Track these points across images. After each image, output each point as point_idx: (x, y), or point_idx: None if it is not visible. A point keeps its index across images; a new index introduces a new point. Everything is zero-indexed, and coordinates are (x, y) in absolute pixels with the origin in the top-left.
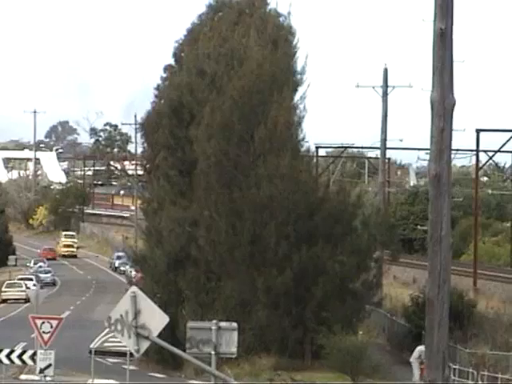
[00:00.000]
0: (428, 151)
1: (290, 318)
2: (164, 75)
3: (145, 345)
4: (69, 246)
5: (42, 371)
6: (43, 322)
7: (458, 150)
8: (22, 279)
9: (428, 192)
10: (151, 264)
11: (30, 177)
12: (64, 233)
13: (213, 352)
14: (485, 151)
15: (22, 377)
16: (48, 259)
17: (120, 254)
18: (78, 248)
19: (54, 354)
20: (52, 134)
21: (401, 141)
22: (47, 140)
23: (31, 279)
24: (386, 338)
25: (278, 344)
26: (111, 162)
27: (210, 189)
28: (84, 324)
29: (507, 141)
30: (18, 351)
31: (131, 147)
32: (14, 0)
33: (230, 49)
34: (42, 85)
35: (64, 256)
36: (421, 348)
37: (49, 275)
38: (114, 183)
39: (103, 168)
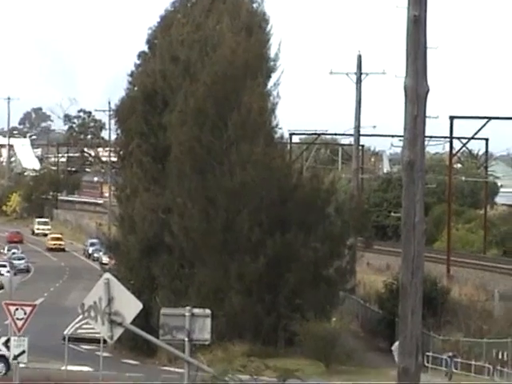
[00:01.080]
0: (401, 138)
1: (264, 305)
2: (138, 62)
3: (118, 331)
4: (57, 239)
5: (15, 358)
6: (17, 309)
7: (431, 136)
8: None
9: (401, 179)
10: (124, 251)
11: (4, 163)
12: (37, 220)
13: (186, 339)
14: (458, 138)
15: None
16: (13, 242)
17: (94, 240)
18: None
19: (27, 341)
20: (26, 120)
21: (374, 127)
22: (21, 127)
23: (5, 266)
24: (359, 325)
25: (251, 330)
26: (85, 149)
27: (183, 175)
28: (58, 310)
29: (481, 128)
30: None
31: (105, 134)
32: None
33: (203, 35)
34: (15, 72)
35: (51, 249)
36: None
37: (22, 262)
38: (88, 170)
39: (77, 155)
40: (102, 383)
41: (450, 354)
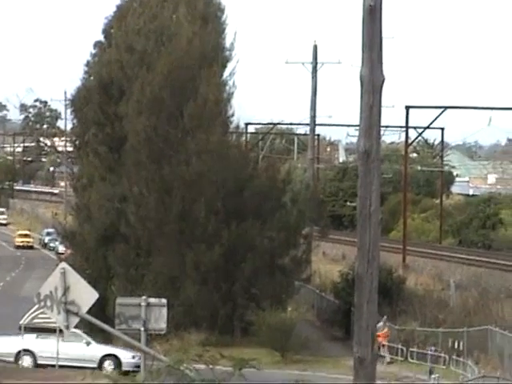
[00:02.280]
0: (357, 127)
1: (220, 294)
2: (94, 51)
3: (74, 321)
4: (25, 235)
5: None
6: None
7: (387, 126)
8: None
9: (357, 168)
10: (81, 240)
11: None
12: None
13: (142, 328)
14: (414, 127)
15: None
16: None
17: (50, 230)
18: (7, 224)
19: None
20: None
21: (330, 117)
22: None
23: None
24: (315, 314)
25: (207, 320)
26: (41, 139)
27: (139, 165)
28: (13, 300)
29: (436, 117)
30: None
31: (61, 123)
32: None
33: (159, 25)
34: None
35: (19, 247)
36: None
37: None
38: (44, 160)
39: (33, 144)
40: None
41: (433, 348)
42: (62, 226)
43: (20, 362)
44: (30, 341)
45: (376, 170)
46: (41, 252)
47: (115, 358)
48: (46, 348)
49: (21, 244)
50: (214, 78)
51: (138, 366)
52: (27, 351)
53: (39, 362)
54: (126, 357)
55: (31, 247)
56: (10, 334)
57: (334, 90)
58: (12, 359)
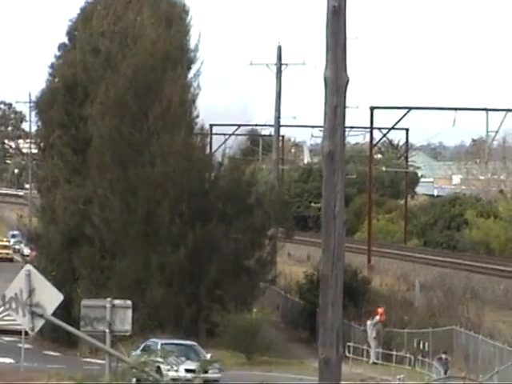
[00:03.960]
0: (322, 128)
1: (185, 296)
2: (58, 53)
3: (39, 323)
4: (4, 247)
5: None
6: None
7: (351, 127)
8: None
9: (322, 169)
10: (46, 242)
11: None
12: None
13: (107, 330)
14: (379, 128)
15: None
16: None
17: (15, 232)
18: None
19: None
20: None
21: (294, 118)
22: None
23: None
24: (280, 316)
25: (172, 322)
26: (5, 141)
27: (104, 167)
28: None
29: (401, 118)
30: None
31: (26, 126)
32: None
33: (123, 27)
34: None
35: None
36: (370, 323)
37: None
38: (9, 162)
39: None
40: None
41: (443, 355)
42: (27, 228)
43: None
44: None
45: (340, 171)
46: None
47: None
48: None
49: (1, 256)
50: (178, 80)
51: None
52: None
53: None
54: None
55: (11, 260)
56: None
57: (298, 91)
58: None
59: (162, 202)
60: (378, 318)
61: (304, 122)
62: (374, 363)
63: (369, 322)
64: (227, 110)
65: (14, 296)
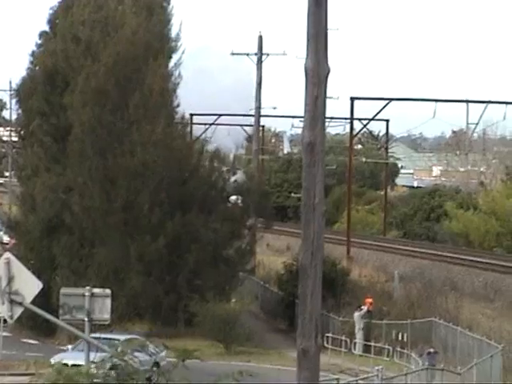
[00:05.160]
0: (302, 119)
1: (163, 285)
2: (39, 41)
3: (18, 311)
4: None
5: None
6: None
7: (332, 117)
8: None
9: (302, 160)
10: (25, 230)
11: None
12: None
13: (86, 318)
14: (359, 119)
15: None
16: None
17: None
18: None
19: None
20: None
21: (275, 108)
22: None
23: None
24: (259, 306)
25: (151, 311)
26: None
27: (84, 155)
28: None
29: (381, 109)
30: None
31: (6, 113)
32: None
33: (104, 15)
34: None
35: None
36: (358, 314)
37: None
38: None
39: None
40: None
41: (431, 349)
42: (7, 216)
43: None
44: None
45: (320, 162)
46: None
47: None
48: None
49: None
50: (159, 69)
51: None
52: None
53: None
54: None
55: None
56: None
57: (279, 81)
58: None
59: (142, 191)
60: (365, 308)
61: (284, 112)
62: (360, 355)
63: (356, 314)
64: (209, 99)
65: None
